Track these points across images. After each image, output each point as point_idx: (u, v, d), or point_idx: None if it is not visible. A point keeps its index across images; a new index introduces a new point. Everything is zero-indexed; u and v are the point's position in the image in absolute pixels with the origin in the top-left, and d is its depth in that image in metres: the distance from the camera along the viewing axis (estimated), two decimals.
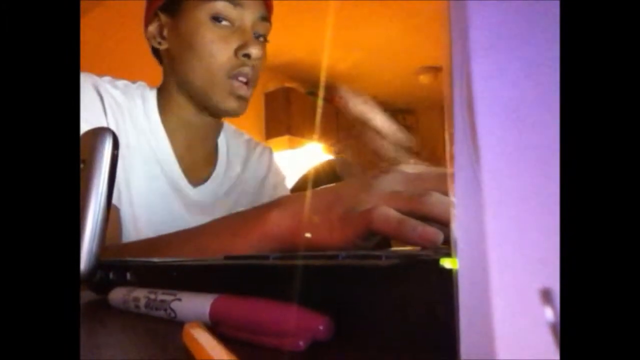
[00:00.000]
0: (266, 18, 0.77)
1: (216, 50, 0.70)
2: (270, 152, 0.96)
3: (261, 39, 0.77)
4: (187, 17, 0.71)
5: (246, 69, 0.72)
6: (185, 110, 0.74)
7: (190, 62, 0.71)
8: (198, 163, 0.79)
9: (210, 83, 0.71)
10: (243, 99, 0.74)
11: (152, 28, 0.75)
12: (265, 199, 0.89)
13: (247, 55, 0.72)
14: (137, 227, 0.67)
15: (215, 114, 0.75)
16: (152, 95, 0.77)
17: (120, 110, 0.70)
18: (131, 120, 0.71)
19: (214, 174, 0.81)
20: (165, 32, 0.74)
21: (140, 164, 0.70)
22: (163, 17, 0.74)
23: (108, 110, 0.67)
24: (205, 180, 0.80)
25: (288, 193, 0.96)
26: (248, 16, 0.73)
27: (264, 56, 0.76)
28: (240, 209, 0.84)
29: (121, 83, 0.75)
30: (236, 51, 0.71)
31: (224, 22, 0.71)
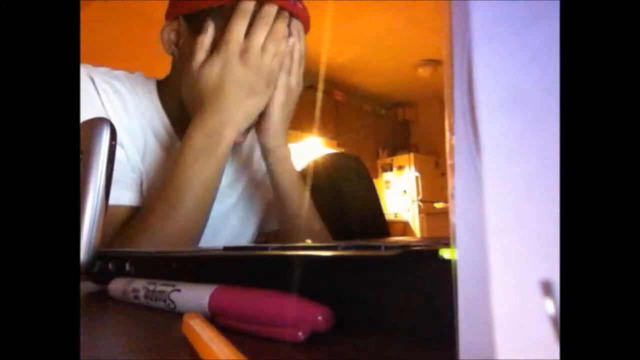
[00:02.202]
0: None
1: None
2: None
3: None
4: None
5: None
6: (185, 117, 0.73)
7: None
8: None
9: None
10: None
11: (168, 32, 0.71)
12: (265, 186, 0.88)
13: None
14: None
15: None
16: (152, 85, 0.75)
17: (120, 99, 0.68)
18: (135, 109, 0.69)
19: None
20: (181, 43, 0.70)
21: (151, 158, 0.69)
22: (183, 27, 0.70)
23: (105, 101, 0.66)
24: None
25: None
26: None
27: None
28: (247, 197, 0.83)
29: (120, 73, 0.74)
30: None
31: None
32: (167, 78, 0.77)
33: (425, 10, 3.23)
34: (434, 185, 5.03)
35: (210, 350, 0.17)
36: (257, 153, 0.89)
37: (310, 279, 0.24)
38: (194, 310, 0.24)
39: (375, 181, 1.34)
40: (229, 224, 0.81)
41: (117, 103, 0.68)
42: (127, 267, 0.37)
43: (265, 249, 0.31)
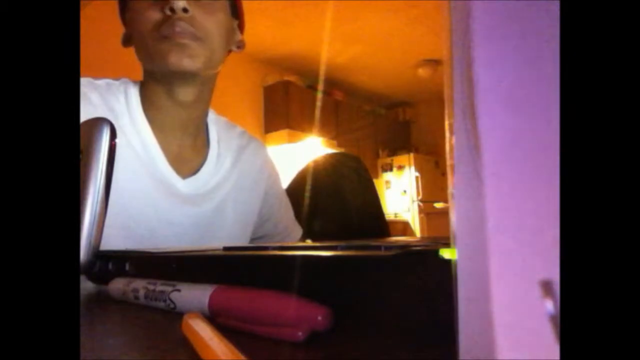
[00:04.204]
0: None
1: (146, 18, 0.68)
2: (265, 150, 0.94)
3: None
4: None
5: (176, 24, 0.67)
6: (159, 96, 0.74)
7: (136, 40, 0.71)
8: (187, 154, 0.78)
9: (149, 48, 0.68)
10: (190, 55, 0.69)
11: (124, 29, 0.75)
12: (259, 198, 0.87)
13: (171, 10, 0.67)
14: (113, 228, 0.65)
15: (172, 78, 0.71)
16: (135, 90, 0.75)
17: (95, 112, 0.68)
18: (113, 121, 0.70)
19: (205, 166, 0.79)
20: (127, 16, 0.73)
21: (120, 166, 0.68)
22: (120, 10, 0.74)
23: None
24: (195, 172, 0.78)
25: (282, 192, 0.95)
26: None
27: (205, 12, 0.71)
28: (232, 203, 0.82)
29: (102, 82, 0.74)
30: (162, 9, 0.67)
31: None
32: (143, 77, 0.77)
33: (425, 10, 3.24)
34: (434, 185, 5.03)
35: (210, 350, 0.17)
36: (248, 151, 0.88)
37: (310, 279, 0.24)
38: (194, 310, 0.25)
39: (375, 181, 1.34)
40: (216, 228, 0.80)
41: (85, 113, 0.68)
42: (127, 267, 0.37)
43: (265, 249, 0.31)
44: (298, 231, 0.93)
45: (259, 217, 0.87)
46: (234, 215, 0.82)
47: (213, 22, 0.71)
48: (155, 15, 0.68)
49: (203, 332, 0.19)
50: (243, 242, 0.85)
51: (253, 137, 0.92)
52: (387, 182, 5.17)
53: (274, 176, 0.93)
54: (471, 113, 0.12)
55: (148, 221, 0.71)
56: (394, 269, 0.22)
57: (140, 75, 0.77)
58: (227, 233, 0.80)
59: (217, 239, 0.79)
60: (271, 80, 4.31)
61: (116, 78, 0.77)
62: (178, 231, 0.73)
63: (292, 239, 0.91)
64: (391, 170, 5.18)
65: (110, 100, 0.72)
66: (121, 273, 0.37)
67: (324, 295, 0.22)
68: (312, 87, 4.42)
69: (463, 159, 0.12)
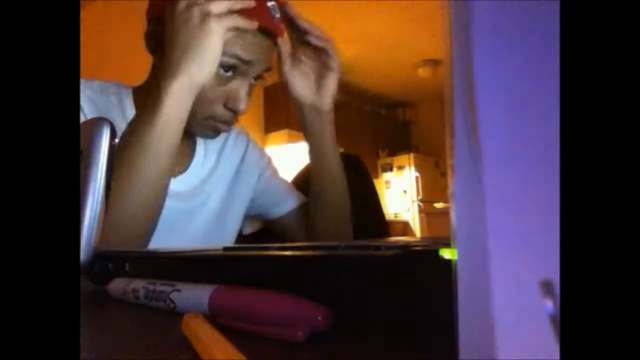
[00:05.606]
0: (269, 68, 0.80)
1: (210, 96, 0.70)
2: (246, 135, 0.96)
3: (253, 80, 0.77)
4: None
5: (228, 118, 0.74)
6: None
7: None
8: (179, 153, 0.79)
9: (193, 115, 0.67)
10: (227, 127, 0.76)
11: (150, 29, 0.73)
12: (248, 184, 0.89)
13: (234, 111, 0.74)
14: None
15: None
16: (127, 94, 0.76)
17: (93, 115, 0.69)
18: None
19: (192, 165, 0.82)
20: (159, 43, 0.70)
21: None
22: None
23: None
24: (183, 171, 0.81)
25: (271, 165, 0.96)
26: (254, 70, 0.75)
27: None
28: (218, 194, 0.84)
29: (96, 84, 0.75)
30: (225, 103, 0.72)
31: (228, 73, 0.71)
32: (148, 80, 0.77)
33: (425, 10, 3.23)
34: (434, 185, 5.03)
35: (210, 350, 0.17)
36: (230, 141, 0.90)
37: (310, 279, 0.24)
38: (194, 310, 0.24)
39: (375, 181, 1.34)
40: (194, 223, 0.81)
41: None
42: (127, 267, 0.37)
43: (266, 249, 0.31)
44: (298, 197, 0.93)
45: (253, 193, 0.90)
46: (223, 205, 0.84)
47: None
48: (218, 100, 0.71)
49: (203, 332, 0.19)
50: (234, 228, 0.87)
51: (234, 128, 0.93)
52: (387, 182, 5.16)
53: (258, 155, 0.94)
54: (471, 113, 0.12)
55: None
56: (394, 269, 0.22)
57: (139, 77, 0.77)
58: (203, 230, 0.82)
59: (206, 230, 0.80)
60: (271, 80, 4.30)
61: (107, 81, 0.77)
62: (170, 226, 0.74)
63: (291, 206, 0.91)
64: (391, 170, 5.18)
65: (105, 102, 0.73)
66: (121, 273, 0.37)
67: (324, 295, 0.22)
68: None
69: (463, 159, 0.12)
